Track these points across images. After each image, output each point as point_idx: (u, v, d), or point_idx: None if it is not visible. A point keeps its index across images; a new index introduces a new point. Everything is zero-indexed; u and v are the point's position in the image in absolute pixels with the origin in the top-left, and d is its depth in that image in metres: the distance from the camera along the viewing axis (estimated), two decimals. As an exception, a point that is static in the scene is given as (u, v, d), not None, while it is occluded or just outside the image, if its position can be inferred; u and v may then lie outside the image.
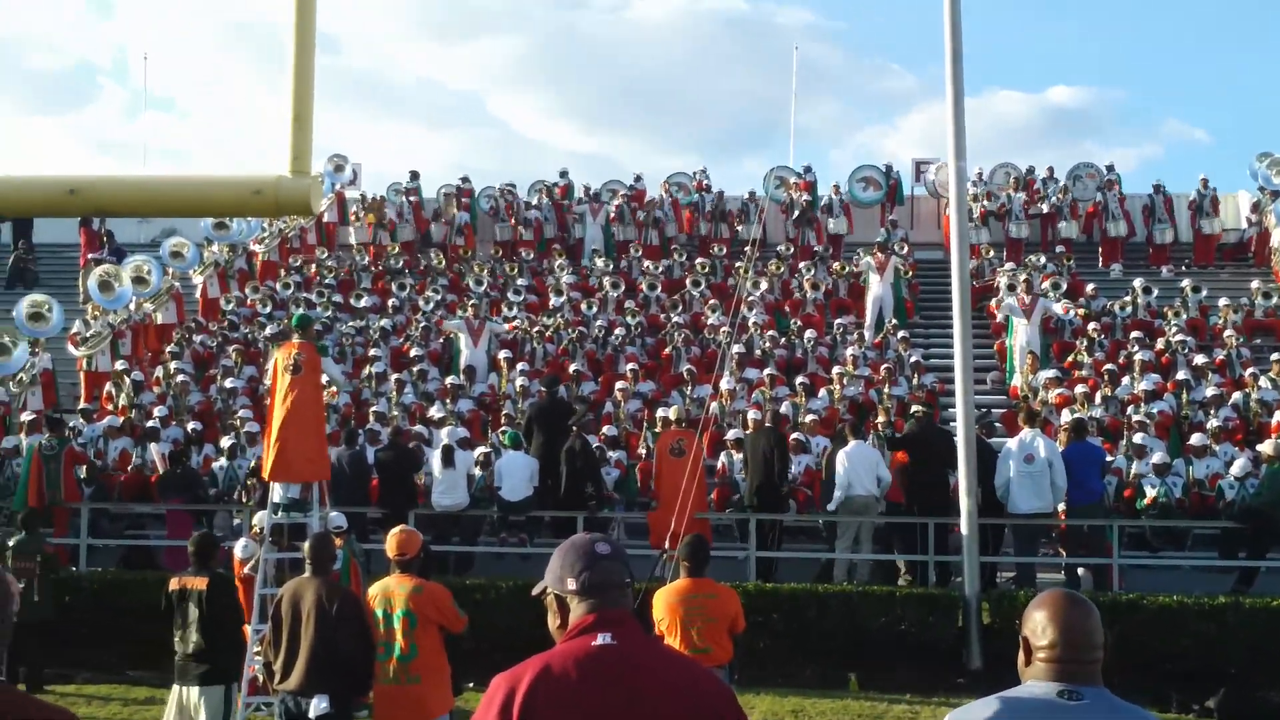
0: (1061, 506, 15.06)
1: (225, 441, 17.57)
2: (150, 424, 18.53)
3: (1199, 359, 19.83)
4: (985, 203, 27.55)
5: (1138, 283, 23.60)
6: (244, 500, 16.31)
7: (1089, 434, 15.98)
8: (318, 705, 8.09)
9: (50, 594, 12.82)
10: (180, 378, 20.56)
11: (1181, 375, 19.13)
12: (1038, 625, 3.43)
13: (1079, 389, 18.50)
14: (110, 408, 19.99)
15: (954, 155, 13.76)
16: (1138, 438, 16.47)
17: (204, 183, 4.58)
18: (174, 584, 9.42)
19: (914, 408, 16.78)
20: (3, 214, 22.03)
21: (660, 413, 17.74)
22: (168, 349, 22.48)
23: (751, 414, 17.51)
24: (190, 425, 18.77)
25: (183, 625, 9.22)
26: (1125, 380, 19.31)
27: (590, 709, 3.22)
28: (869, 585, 14.52)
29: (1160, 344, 20.88)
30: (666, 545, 10.79)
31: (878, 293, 23.50)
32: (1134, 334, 21.08)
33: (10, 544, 12.93)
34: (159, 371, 21.48)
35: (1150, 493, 15.58)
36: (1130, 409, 17.99)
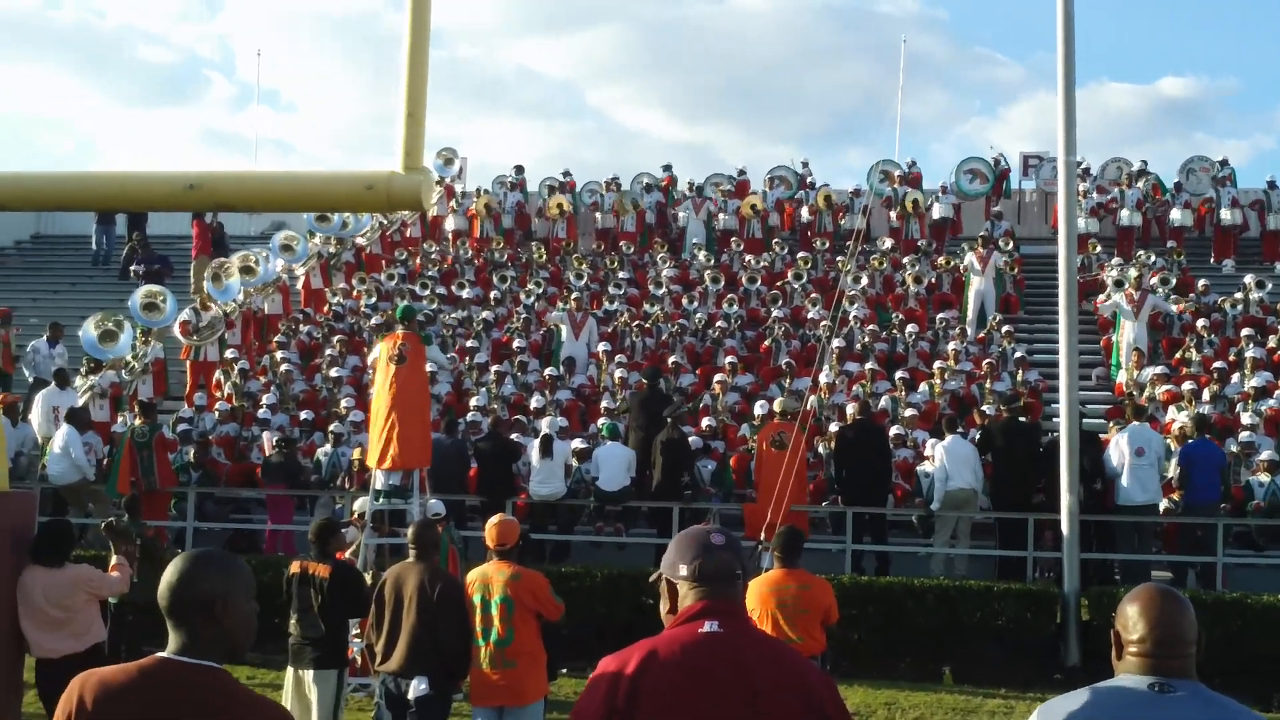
0: (1164, 505, 14.92)
1: (330, 429, 17.90)
2: (261, 413, 18.97)
3: (1312, 356, 19.37)
4: (1096, 196, 27.20)
5: (1249, 278, 23.08)
6: (347, 487, 16.61)
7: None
8: (417, 686, 8.22)
9: (152, 576, 13.05)
10: (285, 367, 21.00)
11: (1294, 373, 18.73)
12: (1130, 619, 3.45)
13: (1187, 386, 18.16)
14: (218, 395, 20.45)
15: (1064, 150, 13.62)
16: (1245, 435, 16.20)
17: (318, 179, 4.68)
18: (295, 567, 9.47)
19: (995, 406, 16.71)
20: (127, 208, 22.57)
21: (758, 406, 17.66)
22: (275, 339, 22.95)
23: (850, 408, 17.49)
24: (302, 415, 19.15)
25: (300, 609, 9.28)
26: (1235, 378, 18.92)
27: (695, 694, 3.25)
28: (966, 579, 14.41)
29: (1272, 341, 20.43)
30: (762, 537, 10.81)
31: (979, 287, 23.29)
32: (1244, 331, 20.62)
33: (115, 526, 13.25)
34: (265, 360, 21.95)
35: (1259, 495, 15.30)
36: (1239, 406, 17.68)
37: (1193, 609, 3.45)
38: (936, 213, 27.74)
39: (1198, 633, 3.42)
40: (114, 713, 3.29)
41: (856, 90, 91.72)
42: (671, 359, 20.90)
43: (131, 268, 27.81)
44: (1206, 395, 18.05)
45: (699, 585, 3.45)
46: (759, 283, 24.61)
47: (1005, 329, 21.62)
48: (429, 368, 15.91)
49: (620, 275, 25.94)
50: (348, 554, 11.78)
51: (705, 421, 17.91)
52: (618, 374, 20.06)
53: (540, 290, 24.95)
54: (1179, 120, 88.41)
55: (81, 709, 3.33)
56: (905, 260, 25.25)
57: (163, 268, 27.26)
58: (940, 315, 22.66)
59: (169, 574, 3.43)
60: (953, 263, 24.61)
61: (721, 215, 28.58)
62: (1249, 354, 19.30)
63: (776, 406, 16.23)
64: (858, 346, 21.00)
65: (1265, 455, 15.58)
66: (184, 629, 3.38)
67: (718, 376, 19.76)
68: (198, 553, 3.53)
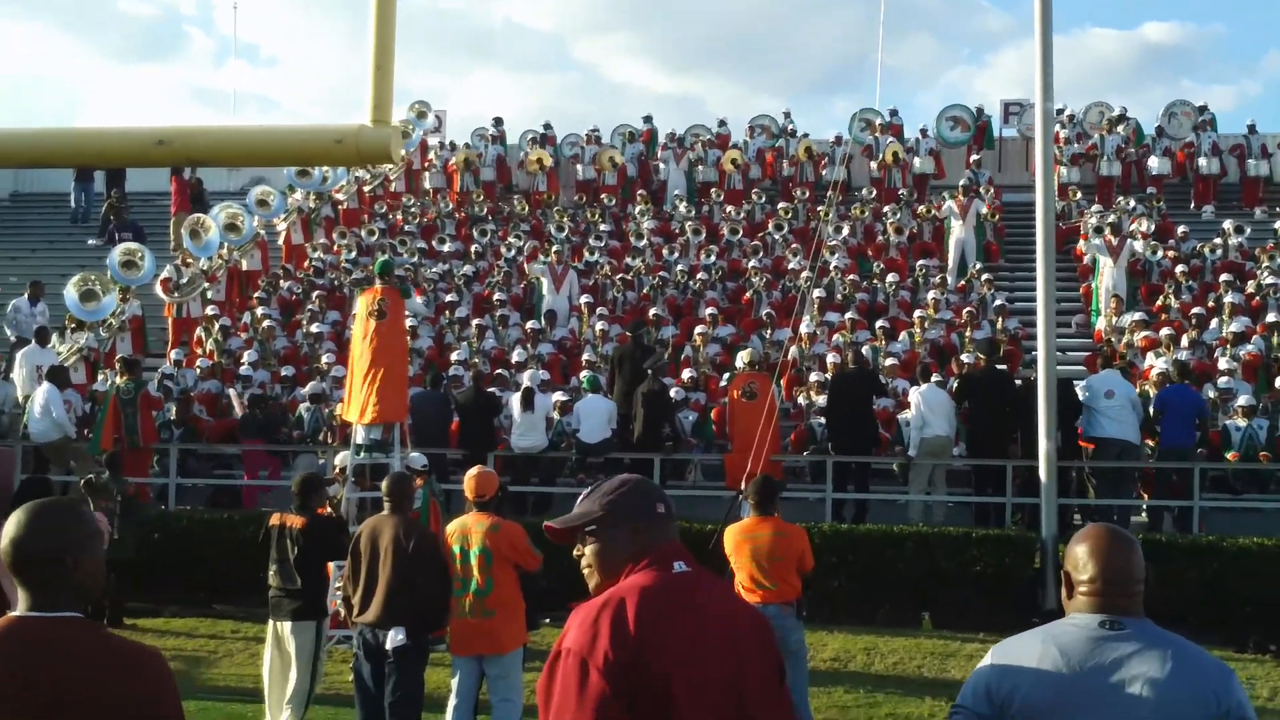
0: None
1: (311, 385, 17.92)
2: (242, 369, 18.97)
3: (1290, 301, 19.42)
4: (1075, 145, 27.21)
5: (1228, 224, 23.12)
6: (329, 442, 16.64)
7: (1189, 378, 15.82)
8: (394, 637, 8.29)
9: (132, 533, 13.15)
10: (266, 323, 20.98)
11: (1271, 318, 18.74)
12: (1079, 560, 3.50)
13: (1165, 332, 18.22)
14: (200, 352, 20.44)
15: (1041, 96, 13.55)
16: (1223, 381, 16.32)
17: (286, 132, 4.62)
18: (274, 520, 9.57)
19: (973, 355, 16.79)
20: (96, 165, 22.55)
21: (739, 358, 17.71)
22: (255, 295, 22.91)
23: (831, 357, 17.52)
24: (283, 370, 19.16)
25: (278, 561, 9.37)
26: (1213, 323, 19.00)
27: (696, 630, 3.24)
28: (944, 526, 14.51)
29: (1250, 287, 20.49)
30: (743, 487, 10.87)
31: (960, 236, 23.28)
32: (1223, 276, 20.67)
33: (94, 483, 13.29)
34: (246, 317, 21.92)
35: (1235, 440, 15.41)
36: (1217, 351, 17.76)
37: (1140, 548, 3.50)
38: (918, 164, 27.68)
39: (1145, 571, 3.48)
40: None
41: (848, 40, 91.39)
42: (652, 311, 20.93)
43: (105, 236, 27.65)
44: (1185, 341, 18.10)
45: (667, 526, 3.46)
46: (740, 234, 24.59)
47: (985, 277, 21.66)
48: (409, 321, 15.91)
49: (601, 228, 25.90)
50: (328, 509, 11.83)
51: (686, 373, 17.96)
52: (599, 326, 20.07)
53: (521, 243, 24.91)
54: (1164, 66, 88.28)
55: None
56: (886, 209, 25.23)
57: (135, 236, 27.03)
58: (920, 264, 22.66)
59: (10, 529, 3.21)
60: (933, 211, 24.58)
61: (701, 166, 28.49)
62: (1227, 299, 19.36)
63: (746, 357, 16.29)
64: (838, 296, 21.03)
65: (1242, 400, 15.69)
66: (35, 585, 3.19)
67: (698, 328, 19.77)
68: (39, 505, 3.28)
